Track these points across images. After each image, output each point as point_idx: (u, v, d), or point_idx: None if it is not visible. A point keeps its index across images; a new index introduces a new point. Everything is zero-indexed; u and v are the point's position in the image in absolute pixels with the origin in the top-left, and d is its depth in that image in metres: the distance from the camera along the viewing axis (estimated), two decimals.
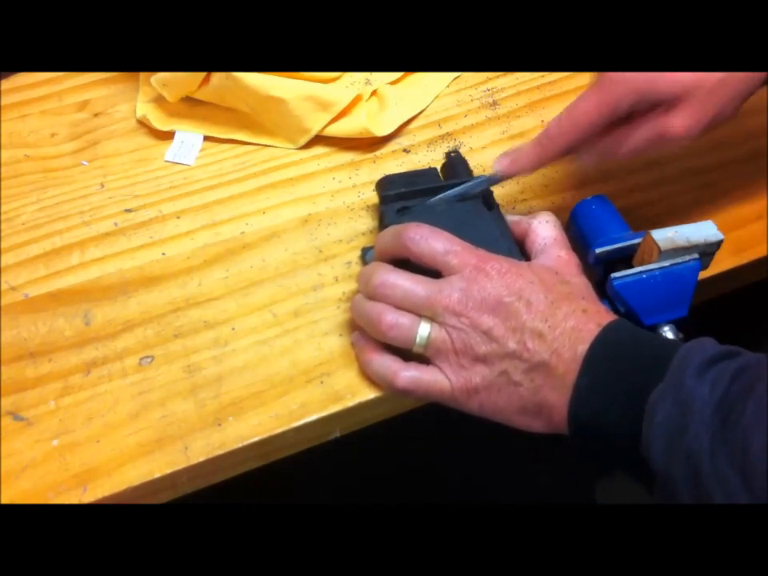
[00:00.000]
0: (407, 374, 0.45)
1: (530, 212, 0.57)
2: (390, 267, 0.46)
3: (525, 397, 0.43)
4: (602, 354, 0.41)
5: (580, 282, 0.47)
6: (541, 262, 0.48)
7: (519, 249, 0.50)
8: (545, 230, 0.49)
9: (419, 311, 0.45)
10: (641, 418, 0.38)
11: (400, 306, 0.45)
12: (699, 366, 0.38)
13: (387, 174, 0.57)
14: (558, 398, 0.42)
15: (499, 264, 0.45)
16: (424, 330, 0.44)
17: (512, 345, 0.43)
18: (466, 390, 0.44)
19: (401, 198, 0.53)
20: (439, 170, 0.57)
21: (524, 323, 0.43)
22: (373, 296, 0.46)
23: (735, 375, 0.37)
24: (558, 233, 0.50)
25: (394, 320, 0.45)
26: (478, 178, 0.53)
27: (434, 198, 0.52)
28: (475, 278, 0.44)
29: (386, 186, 0.54)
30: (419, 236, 0.46)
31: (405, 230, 0.46)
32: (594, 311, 0.44)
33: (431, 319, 0.45)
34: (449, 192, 0.52)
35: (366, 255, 0.54)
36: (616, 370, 0.41)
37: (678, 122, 0.47)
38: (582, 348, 0.42)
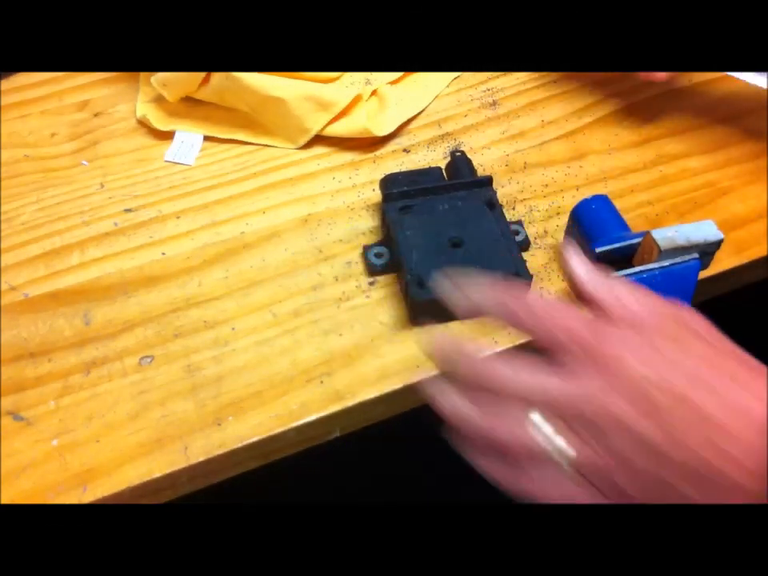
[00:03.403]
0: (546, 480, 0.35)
1: (530, 212, 0.58)
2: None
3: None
4: None
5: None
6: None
7: (519, 249, 0.50)
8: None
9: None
10: None
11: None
12: None
13: (388, 173, 0.57)
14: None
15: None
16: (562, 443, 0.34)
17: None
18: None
19: (404, 196, 0.53)
20: (443, 169, 0.57)
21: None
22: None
23: None
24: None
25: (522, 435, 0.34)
26: None
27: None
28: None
29: (389, 184, 0.54)
30: (526, 310, 0.36)
31: (509, 300, 0.36)
32: (746, 373, 0.34)
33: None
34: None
35: (366, 253, 0.53)
36: None
37: None
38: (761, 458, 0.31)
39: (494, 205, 0.53)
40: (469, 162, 0.57)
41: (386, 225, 0.53)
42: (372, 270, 0.53)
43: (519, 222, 0.56)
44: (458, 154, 0.57)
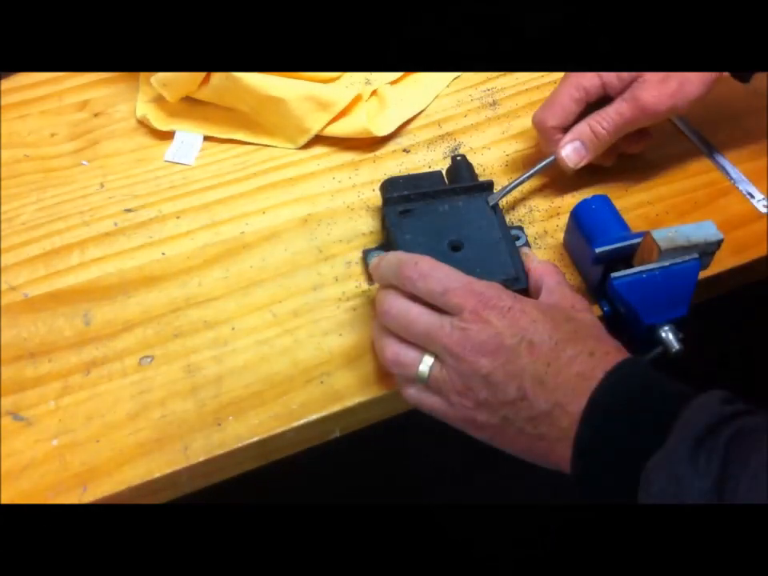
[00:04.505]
0: (411, 392, 0.44)
1: (530, 212, 0.58)
2: (397, 293, 0.45)
3: (530, 442, 0.42)
4: (603, 413, 0.39)
5: (588, 319, 0.45)
6: (545, 299, 0.46)
7: (519, 253, 0.50)
8: (550, 273, 0.48)
9: (421, 345, 0.43)
10: (638, 483, 0.37)
11: (404, 336, 0.44)
12: (694, 440, 0.36)
13: (388, 175, 0.57)
14: (563, 449, 0.40)
15: (502, 302, 0.42)
16: (425, 366, 0.43)
17: (511, 392, 0.41)
18: (472, 425, 0.43)
19: (404, 200, 0.53)
20: (444, 173, 0.57)
21: (524, 368, 0.41)
22: (380, 323, 0.45)
23: (729, 443, 0.35)
24: (562, 276, 0.49)
25: (394, 355, 0.44)
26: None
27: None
28: (475, 320, 0.42)
29: (389, 187, 0.54)
30: (417, 275, 0.43)
31: (402, 268, 0.44)
32: (602, 352, 0.41)
33: (435, 354, 0.43)
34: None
35: (367, 257, 0.53)
36: (613, 435, 0.39)
37: (646, 94, 0.53)
38: (585, 401, 0.40)
39: (494, 209, 0.53)
40: (469, 165, 0.57)
41: (386, 228, 0.53)
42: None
43: (519, 227, 0.56)
44: (459, 157, 0.57)
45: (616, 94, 0.55)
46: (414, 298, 0.44)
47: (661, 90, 0.53)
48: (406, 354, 0.44)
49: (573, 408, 0.40)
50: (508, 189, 0.54)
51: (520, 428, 0.41)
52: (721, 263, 0.54)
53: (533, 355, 0.41)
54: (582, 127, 0.55)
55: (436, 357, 0.43)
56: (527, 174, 0.55)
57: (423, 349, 0.43)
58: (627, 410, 0.39)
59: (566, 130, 0.56)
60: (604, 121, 0.54)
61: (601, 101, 0.55)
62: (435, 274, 0.43)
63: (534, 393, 0.41)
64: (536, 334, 0.42)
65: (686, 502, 0.35)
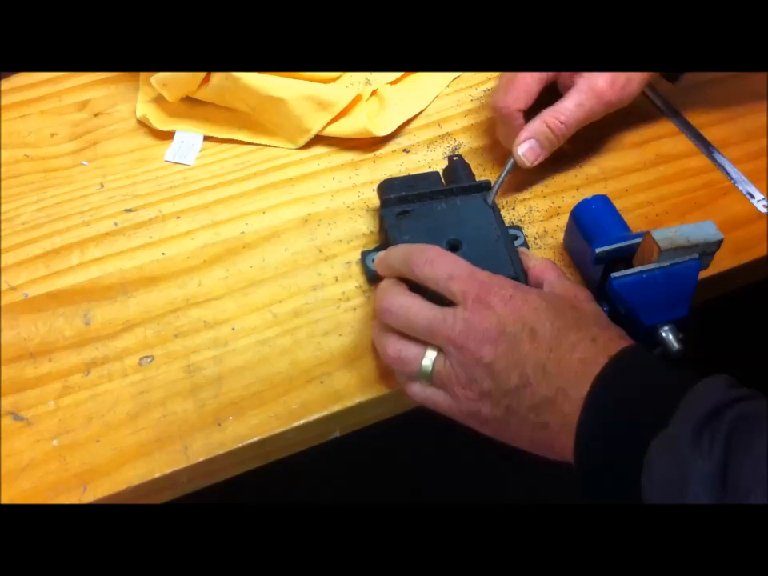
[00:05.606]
0: (415, 389, 0.45)
1: (530, 212, 0.58)
2: (397, 290, 0.45)
3: (533, 431, 0.41)
4: (605, 399, 0.39)
5: (590, 308, 0.45)
6: (548, 290, 0.46)
7: (517, 253, 0.50)
8: (549, 269, 0.49)
9: (423, 339, 0.44)
10: (640, 470, 0.37)
11: (405, 332, 0.44)
12: (697, 423, 0.36)
13: (388, 175, 0.57)
14: (567, 437, 0.40)
15: (504, 290, 0.42)
16: (428, 361, 0.43)
17: (514, 379, 0.41)
18: (477, 419, 0.43)
19: (402, 201, 0.53)
20: (441, 174, 0.57)
21: (526, 355, 0.41)
22: (380, 321, 0.45)
23: (733, 427, 0.35)
24: (562, 272, 0.49)
25: (396, 352, 0.44)
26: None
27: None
28: (477, 308, 0.42)
29: (387, 189, 0.54)
30: (424, 260, 0.44)
31: (412, 254, 0.45)
32: (605, 339, 0.41)
33: (437, 348, 0.43)
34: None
35: (365, 259, 0.53)
36: (616, 421, 0.39)
37: (600, 84, 0.55)
38: (588, 387, 0.39)
39: (492, 208, 0.53)
40: (466, 165, 0.57)
41: (384, 230, 0.53)
42: (371, 276, 0.53)
43: (518, 227, 0.56)
44: (456, 157, 0.57)
45: (564, 80, 0.57)
46: (414, 293, 0.44)
47: (613, 82, 0.55)
48: (408, 349, 0.44)
49: (575, 394, 0.40)
50: (497, 186, 0.54)
51: (523, 417, 0.41)
52: (721, 263, 0.54)
53: (534, 342, 0.41)
54: (537, 125, 0.55)
55: (439, 351, 0.43)
56: (506, 170, 0.56)
57: (425, 344, 0.43)
58: (630, 396, 0.39)
59: (526, 114, 0.57)
60: (562, 114, 0.55)
61: (549, 94, 0.57)
62: (441, 260, 0.44)
63: (537, 379, 0.40)
64: (538, 321, 0.41)
65: (688, 485, 0.35)
